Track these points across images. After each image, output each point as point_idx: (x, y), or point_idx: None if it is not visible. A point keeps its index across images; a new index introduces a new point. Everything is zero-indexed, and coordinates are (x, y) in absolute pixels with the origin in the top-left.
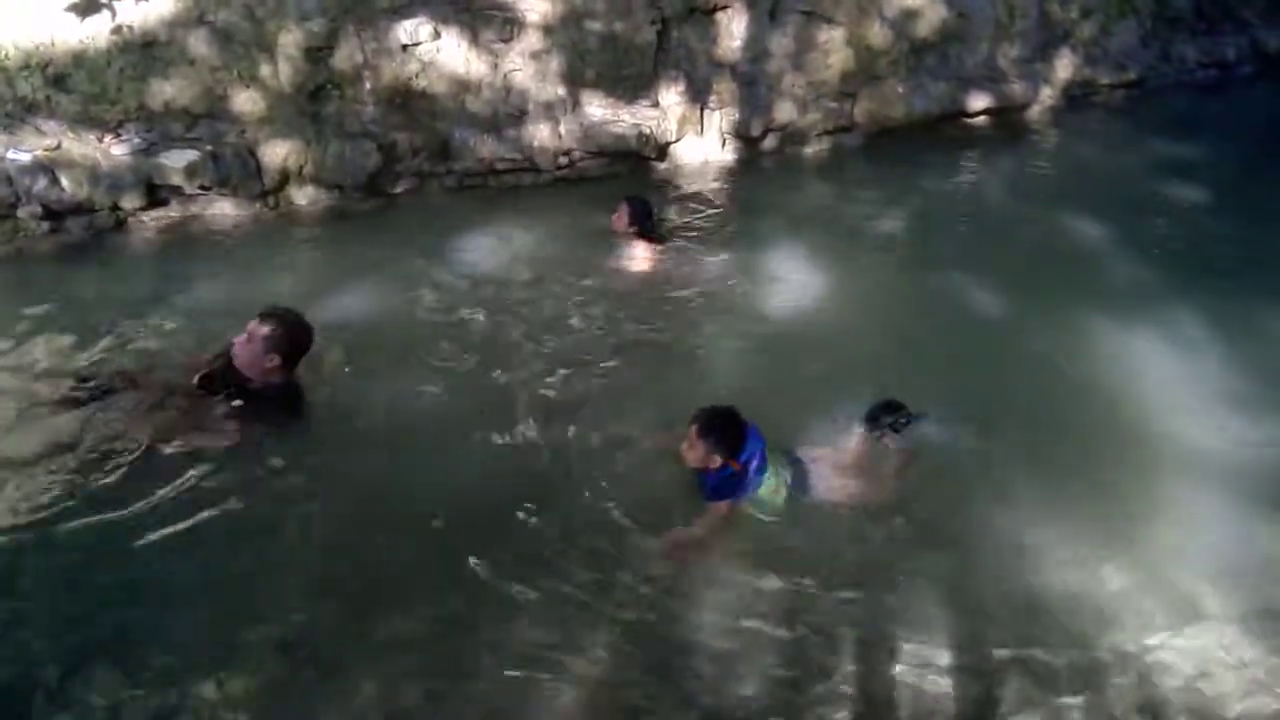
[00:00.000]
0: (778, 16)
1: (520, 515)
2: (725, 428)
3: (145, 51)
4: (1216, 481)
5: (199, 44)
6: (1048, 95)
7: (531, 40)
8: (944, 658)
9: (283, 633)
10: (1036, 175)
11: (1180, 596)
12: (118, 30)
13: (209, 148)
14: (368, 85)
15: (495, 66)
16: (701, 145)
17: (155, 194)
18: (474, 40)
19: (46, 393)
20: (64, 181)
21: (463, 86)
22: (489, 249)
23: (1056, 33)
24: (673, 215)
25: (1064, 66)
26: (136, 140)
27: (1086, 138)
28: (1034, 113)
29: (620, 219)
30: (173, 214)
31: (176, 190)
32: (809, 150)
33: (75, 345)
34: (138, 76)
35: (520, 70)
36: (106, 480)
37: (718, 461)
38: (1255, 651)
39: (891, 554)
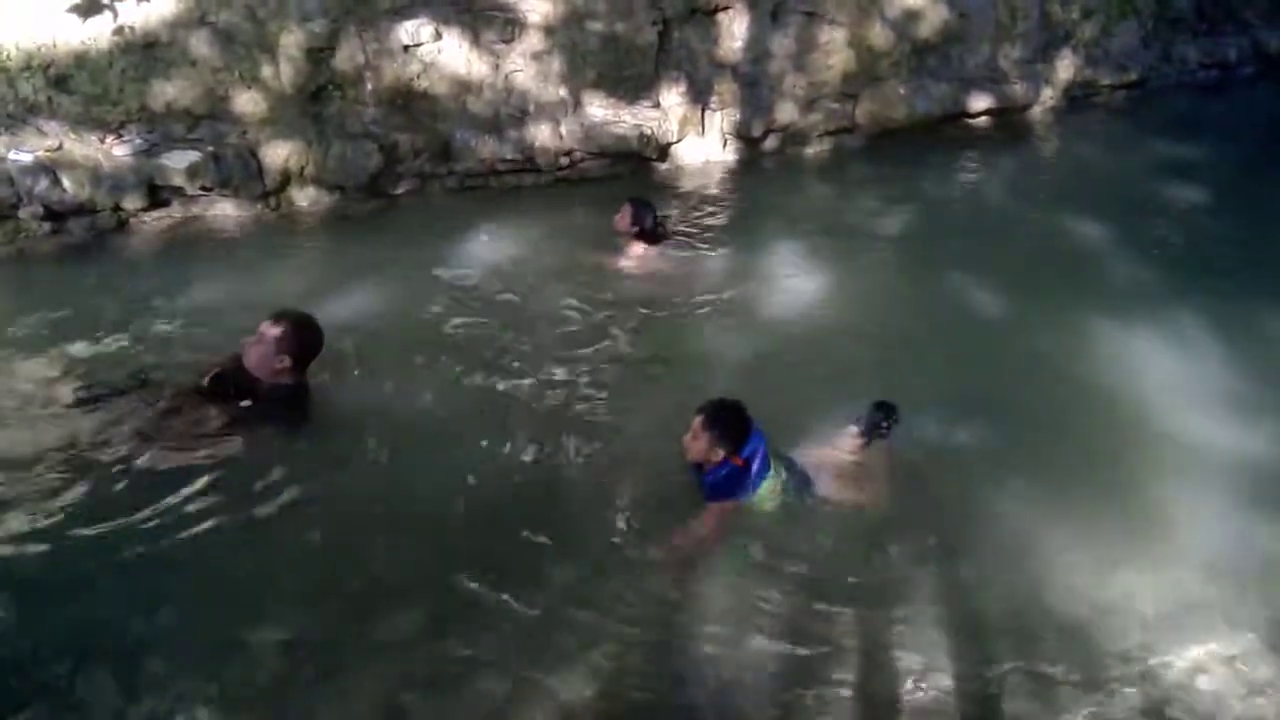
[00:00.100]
0: (779, 17)
1: (520, 516)
2: (732, 420)
3: (147, 52)
4: (1217, 481)
5: (200, 45)
6: (1049, 96)
7: (533, 41)
8: (944, 658)
9: (283, 633)
10: (1037, 176)
11: (1180, 597)
12: (119, 31)
13: (210, 149)
14: (369, 86)
15: (496, 67)
16: (703, 146)
17: (157, 195)
18: (475, 41)
19: (49, 394)
20: (65, 182)
21: (464, 87)
22: (490, 250)
23: (1058, 33)
24: (674, 216)
25: (1065, 67)
26: (138, 141)
27: (1087, 138)
28: (1035, 113)
29: (623, 219)
30: (174, 215)
31: (178, 191)
32: (810, 151)
33: (77, 346)
34: (139, 77)
35: (521, 71)
36: (111, 482)
37: (720, 455)
38: (1255, 652)
39: (891, 556)
